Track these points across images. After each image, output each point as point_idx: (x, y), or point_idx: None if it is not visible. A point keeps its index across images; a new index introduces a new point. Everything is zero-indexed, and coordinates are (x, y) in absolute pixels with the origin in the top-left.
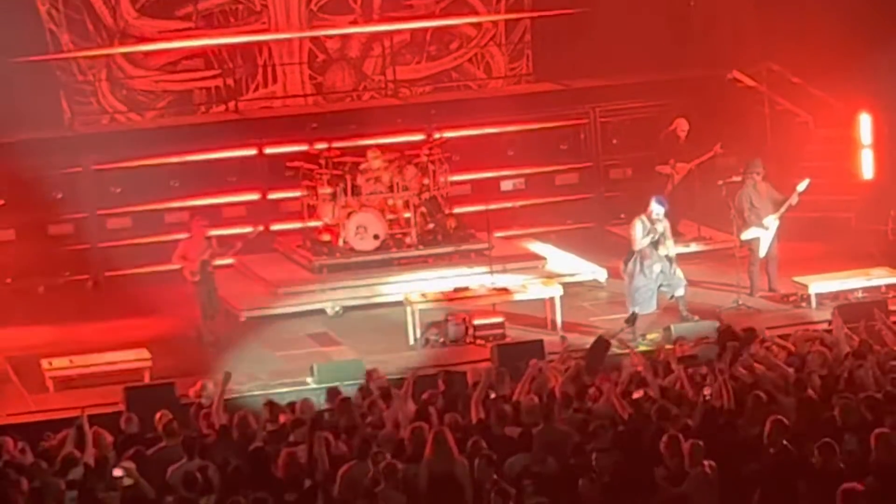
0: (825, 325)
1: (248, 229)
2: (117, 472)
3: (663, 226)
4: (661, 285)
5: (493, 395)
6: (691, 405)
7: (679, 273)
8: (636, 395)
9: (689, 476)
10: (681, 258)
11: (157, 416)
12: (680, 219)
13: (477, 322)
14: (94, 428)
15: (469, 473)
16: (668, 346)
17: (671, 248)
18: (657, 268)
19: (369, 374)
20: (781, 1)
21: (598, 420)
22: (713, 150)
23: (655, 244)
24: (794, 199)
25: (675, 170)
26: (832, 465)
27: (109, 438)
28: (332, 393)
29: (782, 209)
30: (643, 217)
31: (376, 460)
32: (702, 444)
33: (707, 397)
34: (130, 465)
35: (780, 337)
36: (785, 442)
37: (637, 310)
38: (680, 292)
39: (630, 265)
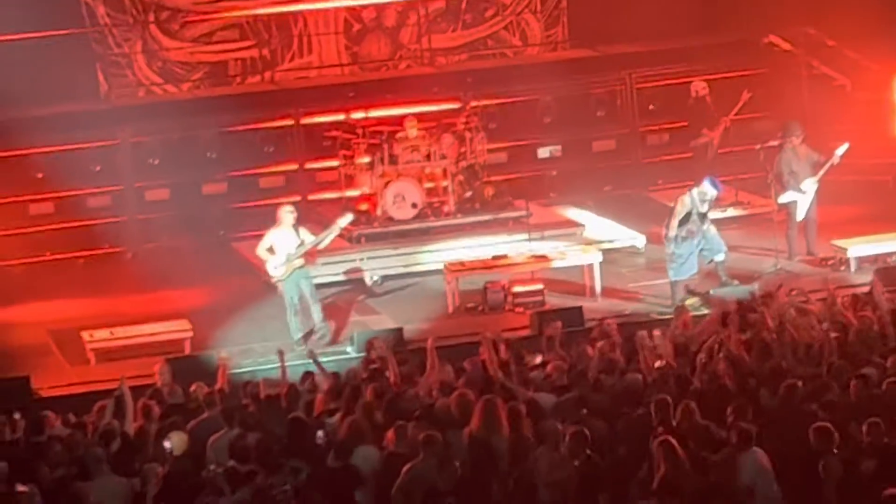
0: (866, 289)
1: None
2: (167, 444)
3: (709, 205)
4: (701, 249)
5: (538, 360)
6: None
7: (719, 238)
8: (657, 363)
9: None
10: (719, 223)
11: (192, 387)
12: None
13: (516, 289)
14: (141, 400)
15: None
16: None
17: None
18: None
19: (370, 344)
20: None
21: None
22: (742, 100)
23: (702, 218)
24: (834, 161)
25: (711, 136)
26: None
27: (157, 410)
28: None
29: (821, 172)
30: (693, 192)
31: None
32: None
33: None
34: (182, 435)
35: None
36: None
37: (673, 276)
38: (720, 257)
39: (674, 232)
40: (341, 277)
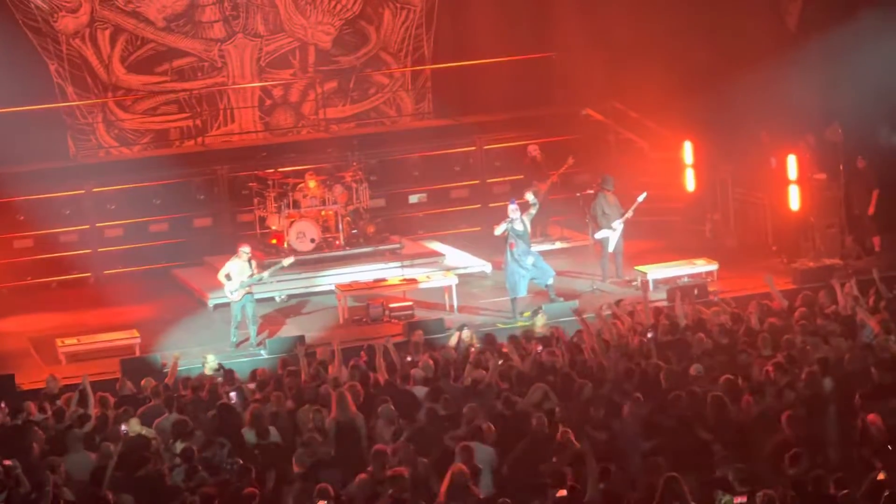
0: (662, 302)
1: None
2: (123, 427)
3: (522, 224)
4: (533, 277)
5: (409, 359)
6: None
7: (547, 266)
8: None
9: None
10: (549, 253)
11: (143, 381)
12: (548, 223)
13: (392, 305)
14: (98, 393)
15: (364, 423)
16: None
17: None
18: (530, 259)
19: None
20: (622, 55)
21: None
22: (566, 163)
23: (522, 238)
24: (635, 207)
25: (540, 187)
26: None
27: (111, 399)
28: (283, 362)
29: (626, 214)
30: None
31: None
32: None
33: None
34: (136, 420)
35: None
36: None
37: (511, 294)
38: (550, 281)
39: (505, 256)
40: (257, 296)
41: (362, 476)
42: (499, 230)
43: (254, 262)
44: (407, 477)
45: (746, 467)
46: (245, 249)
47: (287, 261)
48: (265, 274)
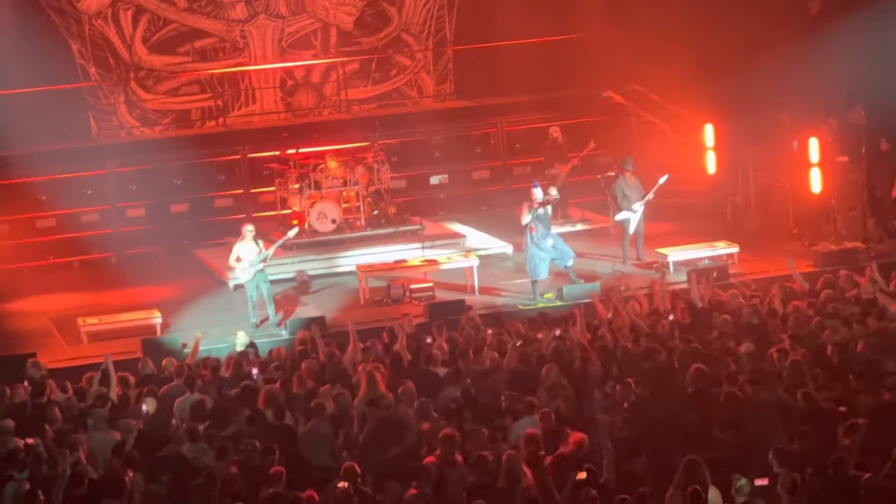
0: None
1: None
2: (144, 406)
3: (545, 210)
4: (553, 258)
5: (428, 340)
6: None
7: (567, 248)
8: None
9: None
10: (569, 235)
11: (164, 361)
12: (569, 205)
13: (413, 286)
14: (118, 373)
15: (395, 402)
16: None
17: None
18: (549, 242)
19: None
20: (644, 37)
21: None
22: (588, 147)
23: (542, 221)
24: (655, 189)
25: (561, 169)
26: None
27: (132, 379)
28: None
29: (647, 196)
30: (529, 202)
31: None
32: None
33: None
34: (152, 400)
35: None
36: None
37: (531, 277)
38: (570, 263)
39: (525, 239)
40: (278, 276)
41: (430, 459)
42: (525, 219)
43: (260, 241)
44: (492, 460)
45: (787, 448)
46: (248, 228)
47: (291, 232)
48: (274, 248)
